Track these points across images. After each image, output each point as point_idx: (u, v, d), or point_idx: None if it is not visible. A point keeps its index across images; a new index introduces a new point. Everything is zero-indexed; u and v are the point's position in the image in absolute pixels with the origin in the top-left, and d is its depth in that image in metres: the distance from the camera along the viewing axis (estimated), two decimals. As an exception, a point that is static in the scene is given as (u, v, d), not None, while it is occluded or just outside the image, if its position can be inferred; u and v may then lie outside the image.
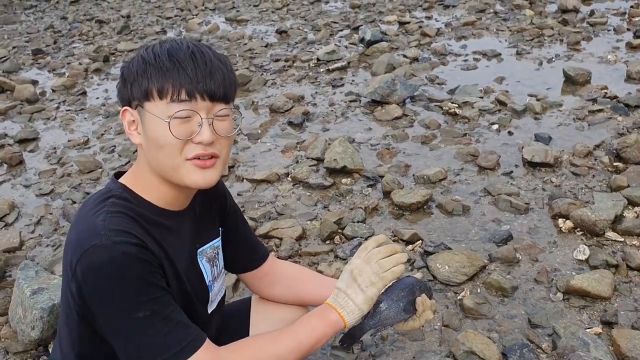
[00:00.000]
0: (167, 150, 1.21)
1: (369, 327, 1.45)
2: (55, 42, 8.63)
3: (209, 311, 1.47)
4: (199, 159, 1.23)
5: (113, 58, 7.31)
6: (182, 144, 1.21)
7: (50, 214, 3.57)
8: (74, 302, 1.20)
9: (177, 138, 1.19)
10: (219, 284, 1.52)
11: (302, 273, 1.75)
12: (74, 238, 1.20)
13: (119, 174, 1.36)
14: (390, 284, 1.46)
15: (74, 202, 3.65)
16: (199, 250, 1.42)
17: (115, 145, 4.53)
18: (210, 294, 1.46)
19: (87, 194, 3.76)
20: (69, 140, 4.74)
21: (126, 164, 4.17)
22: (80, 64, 7.09)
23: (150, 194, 1.29)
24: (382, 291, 1.47)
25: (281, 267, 1.72)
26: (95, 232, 1.15)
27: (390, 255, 1.38)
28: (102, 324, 1.18)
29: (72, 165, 4.23)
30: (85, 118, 5.27)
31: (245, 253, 1.64)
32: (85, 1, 12.20)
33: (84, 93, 5.97)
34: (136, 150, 4.25)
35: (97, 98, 5.83)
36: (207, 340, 1.24)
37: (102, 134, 4.81)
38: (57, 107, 5.63)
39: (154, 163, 1.25)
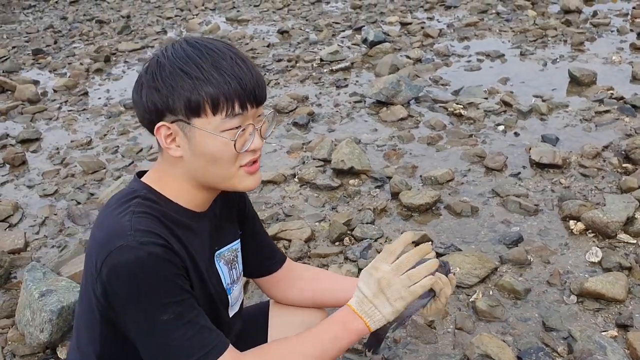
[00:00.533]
0: (223, 162, 1.21)
1: (391, 324, 1.43)
2: (55, 42, 8.58)
3: (230, 315, 1.45)
4: (248, 165, 1.24)
5: (114, 58, 7.27)
6: (237, 154, 1.21)
7: (55, 214, 3.54)
8: (97, 303, 1.18)
9: (239, 152, 1.20)
10: (238, 287, 1.50)
11: (318, 276, 1.72)
12: (99, 238, 1.18)
13: (141, 173, 1.33)
14: None
15: (79, 203, 3.63)
16: (216, 253, 1.40)
17: (118, 146, 4.51)
18: (229, 297, 1.43)
19: (92, 194, 3.74)
20: (71, 141, 4.71)
21: (130, 164, 4.15)
22: (81, 64, 7.05)
23: (176, 196, 1.27)
24: None
25: (296, 271, 1.69)
26: (121, 233, 1.13)
27: (419, 264, 1.31)
28: (127, 326, 1.16)
29: (75, 166, 4.20)
30: (87, 118, 5.24)
31: (263, 257, 1.62)
32: (85, 1, 12.14)
33: (86, 93, 5.93)
34: (140, 151, 4.26)
35: (99, 98, 5.79)
36: (231, 346, 1.21)
37: (105, 135, 4.78)
38: (59, 108, 5.59)
39: (202, 175, 1.24)
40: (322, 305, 1.68)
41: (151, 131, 1.23)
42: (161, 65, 1.17)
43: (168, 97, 1.16)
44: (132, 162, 4.18)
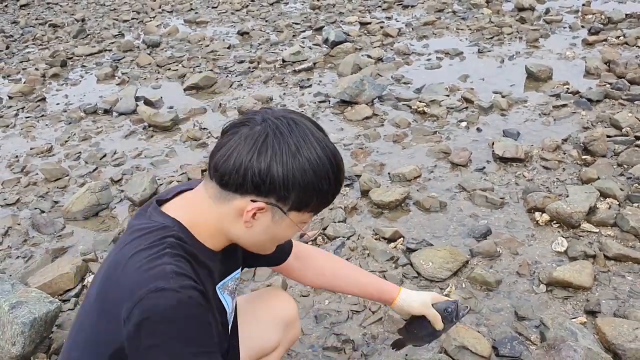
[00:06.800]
0: (279, 242, 1.36)
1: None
2: (7, 47, 8.33)
3: None
4: None
5: (71, 63, 7.11)
6: None
7: (19, 224, 3.45)
8: (116, 346, 1.16)
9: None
10: (232, 316, 1.51)
11: (332, 265, 1.77)
12: (132, 279, 1.14)
13: (160, 201, 1.32)
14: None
15: (43, 212, 3.55)
16: (220, 284, 1.40)
17: (80, 152, 4.42)
18: (228, 327, 1.44)
19: (56, 202, 3.66)
20: (31, 148, 4.59)
21: (94, 170, 4.07)
22: (36, 69, 6.87)
23: (204, 238, 1.27)
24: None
25: (310, 256, 1.74)
26: (162, 275, 1.11)
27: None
28: None
29: (37, 174, 4.10)
30: (46, 125, 5.12)
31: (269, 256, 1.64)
32: (36, 5, 11.80)
33: (44, 99, 5.79)
34: (104, 156, 4.19)
35: (58, 104, 5.66)
36: None
37: (66, 141, 4.68)
38: (16, 114, 5.45)
39: (251, 242, 1.30)
40: (335, 290, 1.88)
41: (224, 186, 1.20)
42: (298, 152, 1.17)
43: (289, 185, 1.17)
44: (97, 169, 4.10)
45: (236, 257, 1.47)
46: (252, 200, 1.18)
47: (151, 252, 1.16)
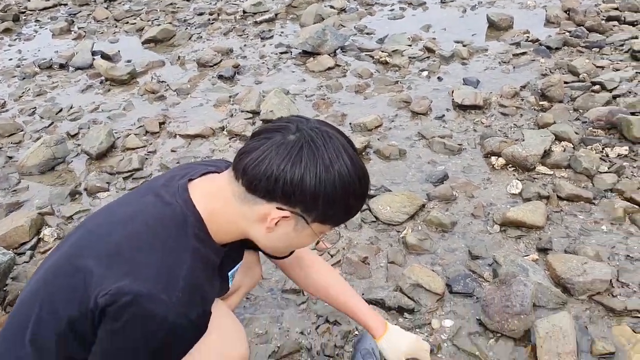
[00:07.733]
0: (295, 249, 1.43)
1: None
2: (-45, 2, 7.97)
3: None
4: None
5: (24, 17, 6.84)
6: None
7: (-29, 180, 3.36)
8: (79, 318, 1.17)
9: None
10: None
11: (330, 282, 1.77)
12: (146, 261, 1.16)
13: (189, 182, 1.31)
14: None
15: (-4, 167, 3.46)
16: (230, 273, 1.44)
17: (35, 107, 4.29)
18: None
19: (10, 157, 3.57)
20: (-17, 105, 4.45)
21: (49, 125, 3.97)
22: (-13, 24, 6.60)
23: (218, 234, 1.27)
24: None
25: (312, 266, 1.75)
26: (171, 286, 1.13)
27: None
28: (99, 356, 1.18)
29: (-11, 130, 3.98)
30: (-1, 80, 4.95)
31: None
32: (-14, -42, 11.29)
33: (-5, 55, 5.59)
34: (59, 111, 4.08)
35: (10, 59, 5.46)
36: None
37: (20, 96, 4.53)
38: (-34, 71, 5.25)
39: (265, 243, 1.30)
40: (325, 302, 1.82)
41: (251, 190, 1.19)
42: (331, 165, 1.16)
43: (318, 197, 1.16)
44: (52, 123, 4.00)
45: (243, 248, 1.50)
46: (277, 208, 1.18)
47: (169, 243, 1.19)
